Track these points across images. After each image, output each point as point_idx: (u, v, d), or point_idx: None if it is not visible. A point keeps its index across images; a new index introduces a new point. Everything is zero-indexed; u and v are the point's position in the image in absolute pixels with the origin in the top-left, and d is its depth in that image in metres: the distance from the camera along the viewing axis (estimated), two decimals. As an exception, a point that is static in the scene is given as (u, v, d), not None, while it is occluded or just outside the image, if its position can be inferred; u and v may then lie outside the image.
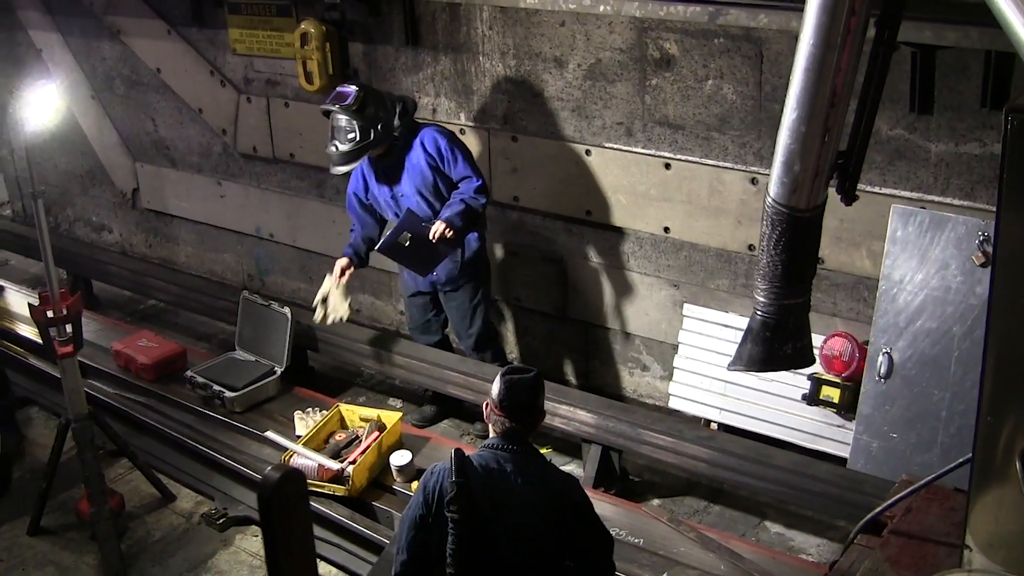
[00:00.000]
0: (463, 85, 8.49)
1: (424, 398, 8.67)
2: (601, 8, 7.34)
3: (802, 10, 4.15)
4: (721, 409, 7.69)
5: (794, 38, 4.23)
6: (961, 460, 4.13)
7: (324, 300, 8.02)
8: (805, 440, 7.29)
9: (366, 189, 7.92)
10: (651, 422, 7.20)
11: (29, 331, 9.02)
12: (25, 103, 6.62)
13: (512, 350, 8.74)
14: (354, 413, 7.54)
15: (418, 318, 8.33)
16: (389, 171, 7.75)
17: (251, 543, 7.22)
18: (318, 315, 8.03)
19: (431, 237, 7.45)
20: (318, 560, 5.25)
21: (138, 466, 7.66)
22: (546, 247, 8.38)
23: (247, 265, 10.99)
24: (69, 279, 10.62)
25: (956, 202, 6.55)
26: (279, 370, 8.31)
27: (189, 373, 8.27)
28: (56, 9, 11.33)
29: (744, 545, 6.40)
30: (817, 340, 6.70)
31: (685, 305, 7.93)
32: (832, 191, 4.55)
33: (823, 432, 7.23)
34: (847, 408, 7.04)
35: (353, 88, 7.54)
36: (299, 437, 7.30)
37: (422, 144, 7.59)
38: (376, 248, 7.82)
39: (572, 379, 8.78)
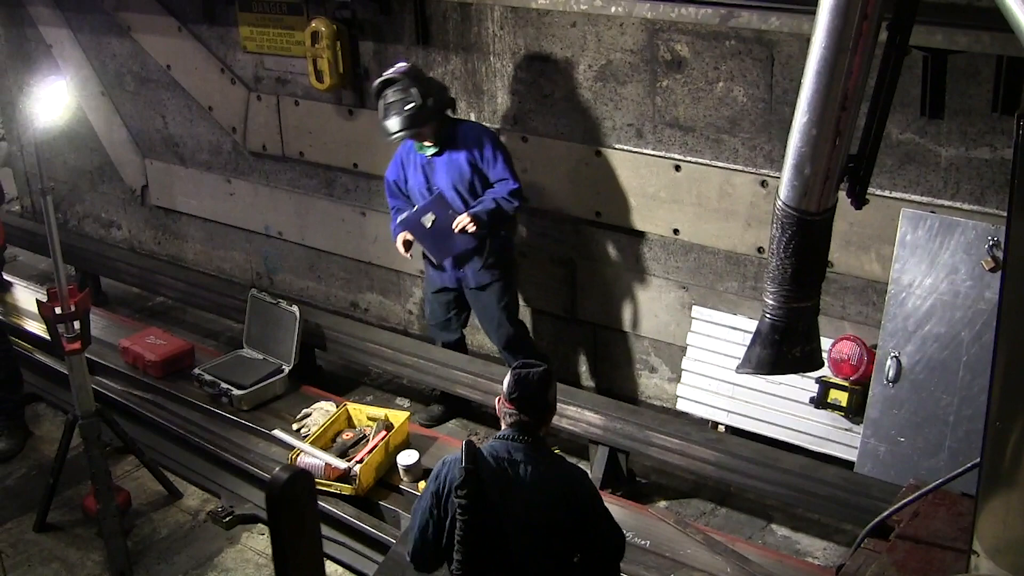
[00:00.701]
0: (473, 85, 8.48)
1: (432, 397, 8.66)
2: (612, 9, 7.34)
3: (814, 13, 4.14)
4: (729, 411, 7.68)
5: (806, 41, 4.23)
6: (969, 465, 4.12)
7: None
8: (812, 443, 7.28)
9: (405, 179, 7.93)
10: (659, 424, 7.19)
11: (37, 327, 9.04)
12: (35, 99, 6.62)
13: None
14: (361, 412, 7.55)
15: (439, 315, 8.31)
16: (428, 162, 7.75)
17: (257, 541, 7.22)
18: None
19: (453, 226, 7.52)
20: (324, 559, 5.24)
21: (145, 463, 7.66)
22: (555, 248, 8.38)
23: (256, 263, 11.00)
24: (77, 275, 10.64)
25: (966, 207, 6.54)
26: (287, 368, 8.32)
27: (197, 371, 8.29)
28: (66, 5, 11.34)
29: (751, 548, 6.40)
30: (826, 343, 6.72)
31: (694, 307, 7.92)
32: (842, 195, 4.54)
33: (830, 435, 7.23)
34: (855, 412, 7.04)
35: (405, 62, 7.69)
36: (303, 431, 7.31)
37: (465, 140, 7.61)
38: (398, 220, 7.84)
39: (580, 380, 8.77)
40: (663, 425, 7.18)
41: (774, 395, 7.46)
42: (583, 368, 8.81)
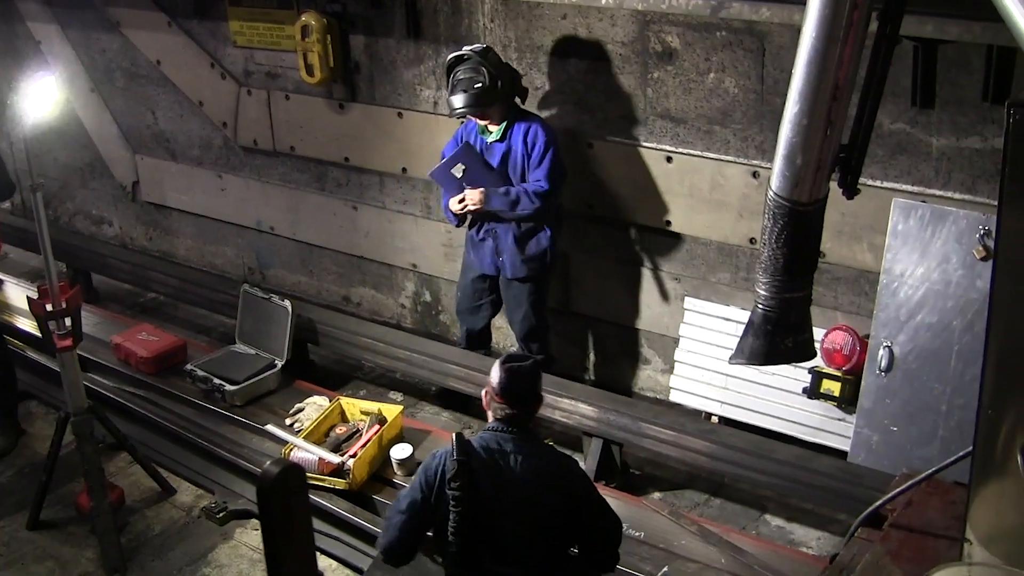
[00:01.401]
0: (464, 78, 8.47)
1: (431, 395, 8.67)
2: (603, 1, 7.33)
3: (804, 3, 4.15)
4: (722, 402, 7.69)
5: (796, 31, 4.23)
6: (962, 453, 4.12)
7: None
8: (806, 434, 7.29)
9: None
10: (652, 415, 7.21)
11: (28, 325, 9.01)
12: (24, 95, 6.60)
13: (513, 343, 8.71)
14: (355, 406, 7.54)
15: (470, 301, 8.30)
16: (488, 147, 7.77)
17: (251, 537, 7.21)
18: None
19: (463, 197, 7.67)
20: (318, 554, 5.24)
21: (138, 460, 7.65)
22: (558, 244, 8.37)
23: (247, 258, 10.99)
24: (69, 272, 10.61)
25: (957, 196, 6.55)
26: (280, 363, 8.31)
27: (189, 366, 8.27)
28: (55, 1, 11.31)
29: (745, 538, 6.40)
30: (818, 334, 6.69)
31: (686, 298, 7.92)
32: (834, 185, 4.55)
33: (824, 426, 7.24)
34: (848, 402, 7.05)
35: (481, 44, 7.67)
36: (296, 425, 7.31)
37: (525, 132, 7.59)
38: (429, 173, 7.91)
39: (574, 373, 8.77)
40: (657, 416, 7.19)
41: (767, 386, 7.47)
42: (577, 360, 8.80)
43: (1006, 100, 3.41)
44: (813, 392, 7.16)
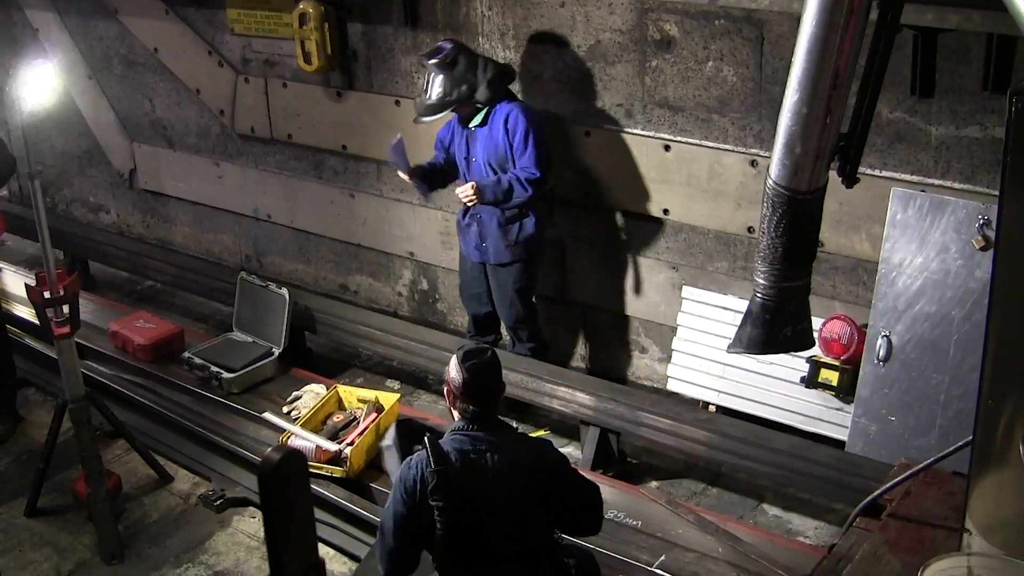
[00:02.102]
0: (462, 66, 8.45)
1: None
2: (601, -11, 7.33)
3: (804, -8, 4.14)
4: (720, 392, 7.69)
5: (795, 20, 4.22)
6: (961, 443, 4.13)
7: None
8: (803, 423, 7.28)
9: (451, 141, 7.99)
10: (650, 404, 7.21)
11: (26, 312, 9.00)
12: (22, 83, 6.58)
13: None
14: (352, 394, 7.54)
15: (470, 287, 8.30)
16: (472, 134, 7.77)
17: (248, 524, 7.21)
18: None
19: (458, 192, 7.71)
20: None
21: (135, 447, 7.65)
22: (547, 231, 8.35)
23: (244, 246, 10.98)
24: (66, 260, 10.61)
25: (956, 185, 6.54)
26: (277, 351, 8.32)
27: (186, 354, 8.28)
28: (53, -12, 11.31)
29: (742, 528, 6.41)
30: (816, 323, 6.68)
31: (684, 287, 7.92)
32: (832, 174, 4.54)
33: (821, 415, 7.23)
34: (846, 391, 7.04)
35: (449, 45, 7.62)
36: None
37: (505, 119, 7.57)
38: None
39: (571, 361, 8.77)
40: (654, 405, 7.19)
41: (765, 375, 7.46)
42: (574, 349, 8.80)
43: (1006, 89, 3.41)
44: (811, 381, 7.16)
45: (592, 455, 7.24)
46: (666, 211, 7.79)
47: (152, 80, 10.87)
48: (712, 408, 7.70)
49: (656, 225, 7.92)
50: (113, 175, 11.83)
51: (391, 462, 6.45)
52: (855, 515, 4.86)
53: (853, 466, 6.40)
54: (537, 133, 7.55)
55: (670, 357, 8.02)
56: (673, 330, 8.01)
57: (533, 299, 8.14)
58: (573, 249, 8.38)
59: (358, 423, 7.17)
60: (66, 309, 6.63)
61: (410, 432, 6.53)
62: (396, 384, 8.80)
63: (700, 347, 7.81)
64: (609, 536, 6.22)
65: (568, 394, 7.35)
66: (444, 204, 8.78)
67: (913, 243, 6.56)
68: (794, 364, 7.26)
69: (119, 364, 8.58)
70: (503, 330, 8.36)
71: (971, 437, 3.79)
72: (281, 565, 4.49)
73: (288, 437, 7.03)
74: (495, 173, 7.67)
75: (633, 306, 8.31)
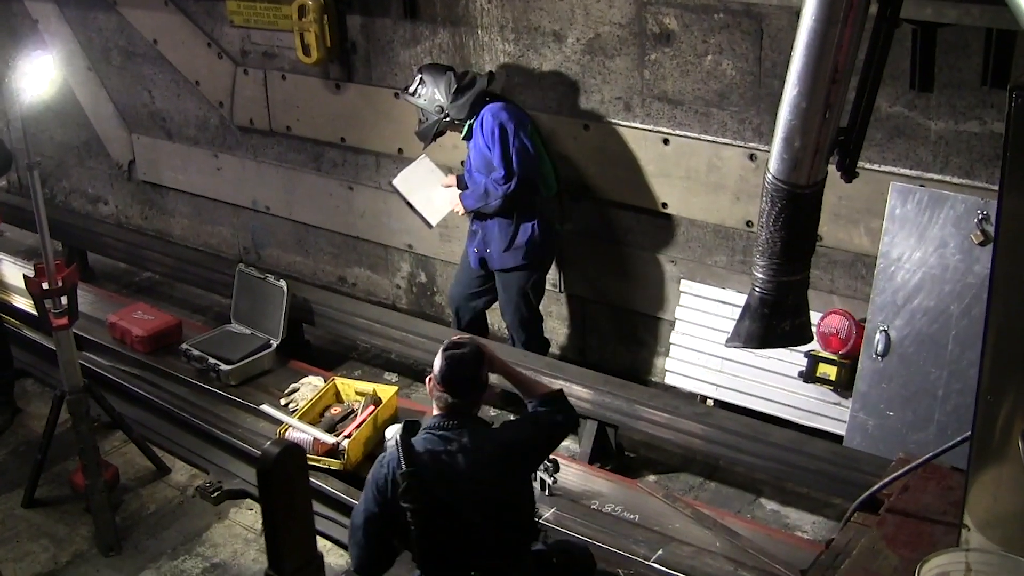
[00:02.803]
0: (461, 59, 8.44)
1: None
2: (601, -18, 7.33)
3: (804, -15, 4.14)
4: (717, 386, 7.69)
5: (795, 14, 4.23)
6: (959, 439, 4.13)
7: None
8: (801, 417, 7.29)
9: None
10: (647, 398, 7.20)
11: (24, 303, 9.01)
12: (21, 74, 6.58)
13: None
14: (350, 387, 7.54)
15: (465, 288, 8.29)
16: (468, 145, 7.85)
17: (245, 516, 7.22)
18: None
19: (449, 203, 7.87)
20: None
21: (133, 439, 7.65)
22: (555, 237, 8.32)
23: (243, 238, 10.97)
24: (64, 251, 10.61)
25: (955, 180, 6.53)
26: (275, 343, 8.32)
27: (184, 346, 8.27)
28: (52, -21, 11.30)
29: (739, 522, 6.41)
30: (814, 317, 6.69)
31: (682, 281, 7.92)
32: (831, 168, 4.54)
33: (819, 409, 7.24)
34: (844, 386, 7.04)
35: (418, 74, 7.78)
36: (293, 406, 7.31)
37: (481, 127, 7.60)
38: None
39: (569, 355, 8.77)
40: (652, 399, 7.18)
41: (763, 369, 7.46)
42: (572, 342, 8.80)
43: (1005, 84, 3.41)
44: (809, 376, 7.16)
45: (590, 449, 7.24)
46: (665, 205, 7.78)
47: (151, 72, 10.86)
48: (710, 402, 7.70)
49: (655, 219, 7.92)
50: (112, 166, 11.82)
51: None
52: (853, 510, 4.86)
53: (851, 461, 6.39)
54: (502, 132, 7.51)
55: (668, 351, 8.02)
56: (671, 324, 8.01)
57: (538, 305, 8.13)
58: (571, 242, 8.37)
59: (356, 416, 7.17)
60: (64, 300, 6.63)
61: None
62: (394, 377, 8.80)
63: (698, 341, 7.81)
64: (606, 530, 6.24)
65: (566, 387, 7.29)
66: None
67: (912, 238, 6.56)
68: (792, 358, 7.26)
69: (117, 355, 8.58)
70: (503, 332, 8.35)
71: (970, 432, 3.79)
72: (280, 558, 4.50)
73: (286, 429, 7.03)
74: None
75: (631, 299, 8.30)
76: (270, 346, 8.29)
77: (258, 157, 10.34)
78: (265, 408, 7.37)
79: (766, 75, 7.05)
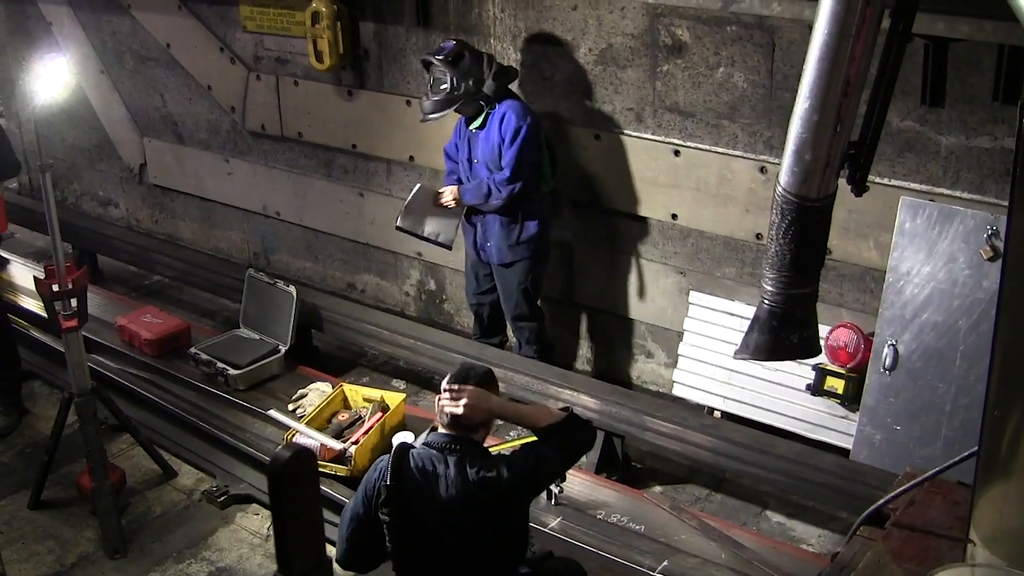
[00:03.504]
0: (473, 67, 8.46)
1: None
2: (614, -7, 7.34)
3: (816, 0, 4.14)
4: (725, 397, 7.68)
5: (807, 27, 4.24)
6: (966, 453, 4.12)
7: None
8: (808, 430, 7.28)
9: (456, 145, 8.05)
10: (655, 409, 7.20)
11: (34, 304, 9.02)
12: (34, 76, 6.60)
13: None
14: (357, 393, 7.54)
15: (476, 286, 8.34)
16: (473, 136, 7.82)
17: (252, 521, 7.22)
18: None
19: (440, 199, 7.83)
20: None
21: (140, 442, 7.65)
22: (553, 232, 8.35)
23: (253, 243, 10.99)
24: (75, 253, 10.61)
25: (965, 195, 6.53)
26: (283, 349, 8.32)
27: (193, 350, 8.28)
28: (66, -18, 11.33)
29: (745, 534, 6.41)
30: (823, 330, 6.71)
31: (691, 292, 7.92)
32: (842, 182, 4.54)
33: (826, 423, 7.23)
34: (851, 399, 7.04)
35: (453, 42, 7.66)
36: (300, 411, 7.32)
37: (500, 120, 7.60)
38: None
39: (576, 364, 8.77)
40: (659, 410, 7.18)
41: (771, 381, 7.46)
42: (579, 352, 8.81)
43: (1016, 100, 3.42)
44: (817, 389, 7.16)
45: (596, 459, 7.23)
46: (675, 216, 7.79)
47: (164, 76, 10.89)
48: (717, 414, 7.69)
49: (664, 229, 7.92)
50: (123, 169, 11.85)
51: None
52: (859, 523, 4.85)
53: (857, 474, 6.38)
54: (526, 133, 7.53)
55: (676, 362, 8.02)
56: (679, 335, 8.01)
57: (538, 301, 8.14)
58: (581, 252, 8.39)
59: (363, 422, 7.17)
60: (74, 302, 6.65)
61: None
62: (402, 384, 8.81)
63: (706, 352, 7.81)
64: (612, 540, 6.24)
65: (573, 397, 7.34)
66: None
67: (921, 252, 6.56)
68: (800, 371, 7.26)
69: (126, 358, 8.59)
70: (509, 332, 8.37)
71: (976, 447, 3.79)
72: (289, 563, 4.51)
73: (293, 435, 7.03)
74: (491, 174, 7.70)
75: (640, 310, 8.31)
76: (278, 351, 8.29)
77: (269, 162, 10.36)
78: (273, 413, 7.37)
79: (777, 88, 7.05)
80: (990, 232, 6.28)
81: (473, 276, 8.30)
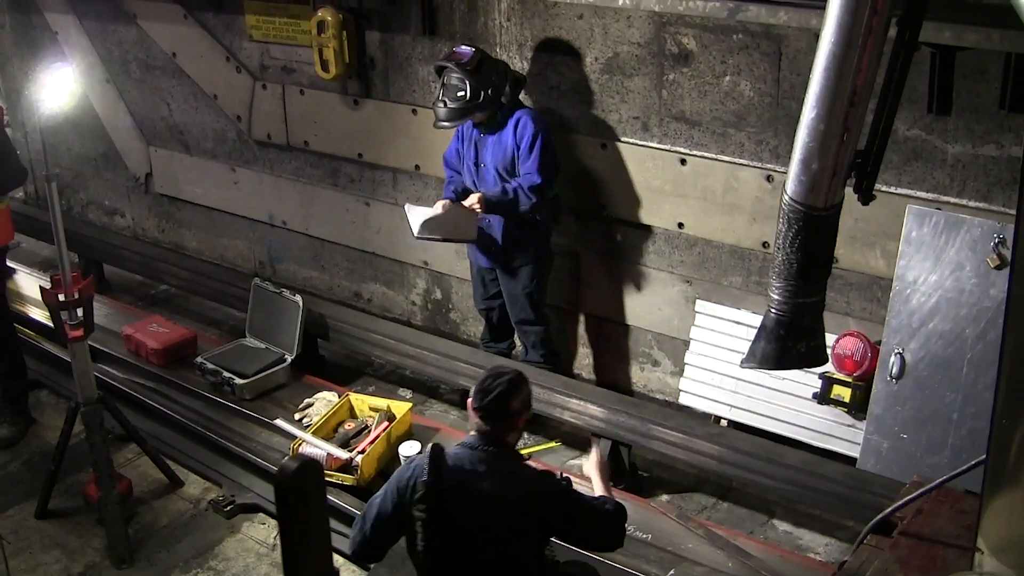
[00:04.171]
0: (479, 76, 8.47)
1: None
2: (620, 2, 7.33)
3: (822, 8, 4.15)
4: (732, 406, 7.67)
5: (814, 36, 4.24)
6: (974, 462, 4.12)
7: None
8: (815, 439, 7.27)
9: (458, 150, 8.03)
10: (661, 418, 7.20)
11: (40, 314, 9.03)
12: (40, 86, 6.62)
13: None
14: (364, 403, 7.54)
15: (483, 293, 8.36)
16: (481, 139, 7.81)
17: (258, 531, 7.22)
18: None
19: (466, 204, 7.68)
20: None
21: (146, 451, 7.66)
22: (559, 240, 8.35)
23: (259, 252, 11.00)
24: (81, 263, 10.61)
25: (972, 204, 6.53)
26: (289, 358, 8.31)
27: (199, 359, 8.28)
28: (73, -8, 11.35)
29: (752, 543, 6.40)
30: (829, 339, 6.68)
31: (698, 301, 7.91)
32: (849, 190, 4.54)
33: (833, 431, 7.22)
34: (858, 408, 7.03)
35: (471, 49, 7.63)
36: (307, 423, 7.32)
37: (515, 124, 7.61)
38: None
39: (583, 373, 8.77)
40: (666, 419, 7.18)
41: (777, 390, 7.45)
42: (586, 361, 8.80)
43: (1023, 108, 3.41)
44: (823, 397, 7.15)
45: (603, 467, 7.23)
46: (681, 224, 7.79)
47: (169, 85, 10.90)
48: (724, 422, 7.69)
49: (671, 238, 7.92)
50: (129, 179, 11.86)
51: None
52: (866, 532, 4.85)
53: (864, 483, 6.38)
54: (544, 139, 7.57)
55: (683, 371, 8.01)
56: (686, 344, 8.00)
57: (543, 307, 8.14)
58: (587, 260, 8.39)
59: (369, 431, 7.17)
60: (80, 312, 6.65)
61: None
62: (408, 393, 8.80)
63: (713, 361, 7.80)
64: (619, 549, 6.22)
65: (580, 406, 7.35)
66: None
67: (928, 261, 6.56)
68: (807, 380, 7.25)
69: (132, 368, 8.60)
70: (516, 338, 8.38)
71: (984, 456, 3.78)
72: (296, 572, 4.49)
73: (299, 444, 7.03)
74: (503, 178, 7.70)
75: (646, 319, 8.31)
76: (285, 361, 8.29)
77: (275, 171, 10.37)
78: (279, 423, 7.37)
79: (784, 97, 7.05)
80: (997, 240, 6.27)
81: (480, 282, 8.30)
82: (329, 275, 10.46)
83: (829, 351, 6.66)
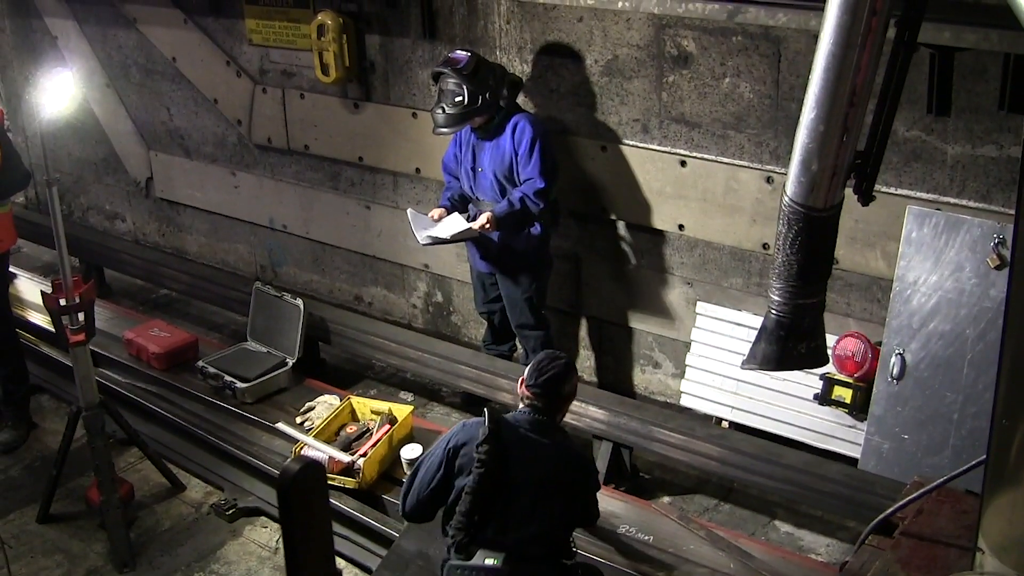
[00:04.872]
0: (479, 79, 8.47)
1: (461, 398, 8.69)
2: (619, 4, 7.34)
3: (821, 9, 4.16)
4: (733, 408, 7.67)
5: (813, 37, 4.24)
6: (975, 462, 4.12)
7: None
8: (816, 440, 7.27)
9: (457, 154, 8.02)
10: (662, 419, 7.20)
11: (41, 319, 9.04)
12: (40, 90, 6.62)
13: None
14: (365, 406, 7.54)
15: (482, 297, 8.38)
16: (479, 144, 7.81)
17: (260, 534, 7.22)
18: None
19: (474, 226, 7.65)
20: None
21: (148, 455, 7.66)
22: (560, 243, 8.35)
23: (260, 256, 11.00)
24: (82, 267, 10.63)
25: (972, 204, 6.53)
26: (291, 362, 8.32)
27: (200, 363, 8.28)
28: (73, -3, 11.36)
29: (754, 544, 6.39)
30: (830, 340, 6.69)
31: (699, 303, 7.91)
32: (848, 191, 4.54)
33: (834, 432, 7.22)
34: (859, 409, 7.03)
35: (467, 54, 7.62)
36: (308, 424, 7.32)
37: (513, 128, 7.61)
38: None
39: (584, 375, 8.75)
40: (667, 421, 7.18)
41: (778, 391, 7.45)
42: (587, 363, 8.80)
43: (1022, 109, 3.41)
44: (824, 398, 7.15)
45: (604, 470, 7.23)
46: (681, 226, 7.79)
47: (170, 89, 10.91)
48: (725, 424, 7.69)
49: (671, 240, 7.92)
50: (130, 183, 11.86)
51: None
52: (867, 533, 4.85)
53: (865, 484, 6.39)
54: (543, 142, 7.57)
55: (683, 372, 8.01)
56: (687, 345, 8.00)
57: (543, 310, 8.13)
58: (587, 263, 8.39)
59: (371, 435, 7.17)
60: (81, 316, 6.66)
61: None
62: (409, 396, 8.81)
63: (714, 363, 7.80)
64: (621, 551, 6.23)
65: (581, 408, 7.34)
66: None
67: (928, 261, 6.56)
68: (807, 381, 7.25)
69: (133, 372, 8.60)
70: (518, 341, 8.38)
71: (985, 456, 3.79)
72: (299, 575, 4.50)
73: (301, 448, 7.03)
74: (501, 183, 7.70)
75: (647, 321, 8.31)
76: (286, 364, 8.29)
77: (276, 175, 10.37)
78: (281, 426, 7.38)
79: (783, 98, 7.06)
80: (997, 241, 6.28)
81: (480, 286, 8.31)
82: (330, 278, 10.46)
83: (830, 352, 6.64)
